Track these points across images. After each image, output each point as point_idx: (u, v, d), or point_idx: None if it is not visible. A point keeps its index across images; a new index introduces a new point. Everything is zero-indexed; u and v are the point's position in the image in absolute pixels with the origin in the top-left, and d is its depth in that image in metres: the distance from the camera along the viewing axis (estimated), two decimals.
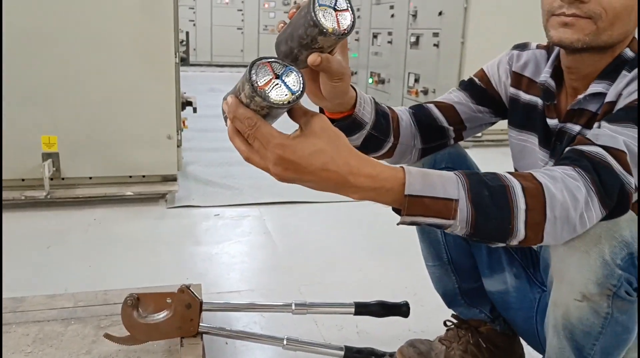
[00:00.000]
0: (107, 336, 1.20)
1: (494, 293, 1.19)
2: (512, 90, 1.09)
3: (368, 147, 1.02)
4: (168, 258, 1.86)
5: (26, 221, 2.15)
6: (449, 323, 1.30)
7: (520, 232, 0.73)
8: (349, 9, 0.70)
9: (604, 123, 0.82)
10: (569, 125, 0.96)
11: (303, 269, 1.83)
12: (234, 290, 1.66)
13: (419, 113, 1.10)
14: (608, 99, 0.89)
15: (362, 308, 1.28)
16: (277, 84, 0.66)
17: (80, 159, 2.31)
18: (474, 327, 1.26)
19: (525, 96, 1.06)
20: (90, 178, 2.36)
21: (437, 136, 1.11)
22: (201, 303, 1.21)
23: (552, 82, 0.99)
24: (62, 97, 2.23)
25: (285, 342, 1.22)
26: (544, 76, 1.00)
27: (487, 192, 0.72)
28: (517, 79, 1.08)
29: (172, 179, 2.45)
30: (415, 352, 1.25)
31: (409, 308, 1.31)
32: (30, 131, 2.23)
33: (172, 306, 1.20)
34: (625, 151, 0.77)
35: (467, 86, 1.13)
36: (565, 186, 0.73)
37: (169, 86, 2.33)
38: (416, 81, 4.28)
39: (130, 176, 2.40)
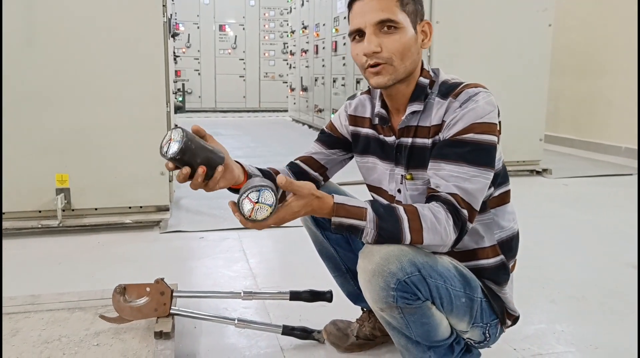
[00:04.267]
0: (102, 316, 1.59)
1: None
2: (351, 128, 1.45)
3: None
4: (157, 271, 2.24)
5: (42, 245, 2.54)
6: (364, 309, 1.68)
7: (407, 234, 1.11)
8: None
9: (442, 164, 1.18)
10: (403, 139, 1.30)
11: (267, 278, 2.21)
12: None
13: (293, 168, 1.47)
14: (434, 122, 1.24)
15: (295, 295, 1.65)
16: (258, 208, 1.03)
17: (87, 194, 2.72)
18: None
19: (362, 130, 1.43)
20: (96, 209, 2.76)
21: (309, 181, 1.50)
22: (172, 291, 1.60)
23: (383, 111, 1.34)
24: (74, 143, 2.66)
25: (236, 321, 1.58)
26: (377, 108, 1.35)
27: (382, 209, 1.13)
28: (353, 120, 1.45)
29: (165, 209, 2.85)
30: (335, 328, 1.61)
31: (332, 295, 1.67)
32: (46, 171, 2.64)
33: (150, 293, 1.59)
34: (457, 192, 1.15)
35: (320, 137, 1.50)
36: (431, 210, 1.13)
37: (162, 131, 2.72)
38: None
39: (130, 207, 2.81)
